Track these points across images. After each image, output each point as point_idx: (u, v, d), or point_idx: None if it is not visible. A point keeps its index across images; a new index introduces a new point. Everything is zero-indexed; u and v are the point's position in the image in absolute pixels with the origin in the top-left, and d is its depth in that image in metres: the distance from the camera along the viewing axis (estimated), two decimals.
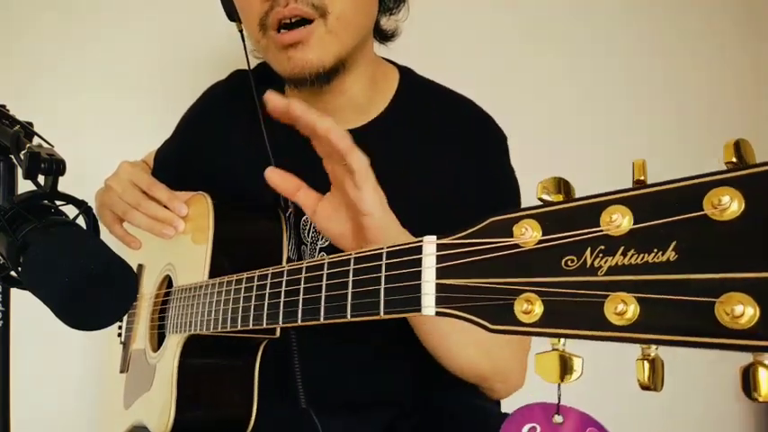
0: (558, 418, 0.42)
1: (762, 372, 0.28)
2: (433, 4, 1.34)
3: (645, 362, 0.32)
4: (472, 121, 0.89)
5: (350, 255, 0.47)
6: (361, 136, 0.84)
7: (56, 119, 1.22)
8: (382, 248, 0.44)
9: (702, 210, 0.29)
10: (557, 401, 0.41)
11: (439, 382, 0.89)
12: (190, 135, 1.00)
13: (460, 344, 0.74)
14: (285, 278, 0.55)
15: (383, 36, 0.90)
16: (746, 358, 0.30)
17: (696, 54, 1.55)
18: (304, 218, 0.84)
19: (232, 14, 0.86)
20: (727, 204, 0.28)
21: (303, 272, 0.52)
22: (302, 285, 0.52)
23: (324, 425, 0.79)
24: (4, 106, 0.68)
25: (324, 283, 0.49)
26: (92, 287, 0.48)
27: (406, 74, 0.91)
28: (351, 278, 0.46)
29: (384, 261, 0.43)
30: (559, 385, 0.39)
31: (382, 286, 0.43)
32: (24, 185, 0.59)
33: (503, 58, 1.45)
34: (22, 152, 0.56)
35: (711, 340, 0.28)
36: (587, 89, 1.50)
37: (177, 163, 1.00)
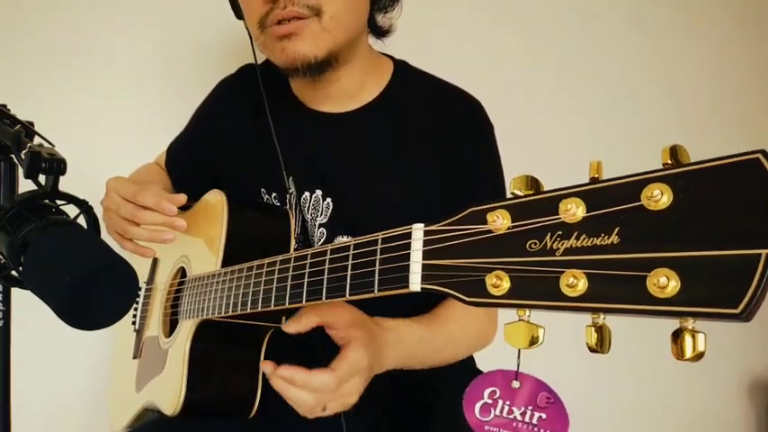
0: (515, 384, 0.48)
1: (687, 336, 0.35)
2: (431, 6, 1.39)
3: (593, 328, 0.38)
4: (460, 108, 0.95)
5: (350, 242, 0.53)
6: (352, 118, 0.93)
7: (56, 118, 1.25)
8: (378, 235, 0.50)
9: (640, 201, 0.35)
10: (516, 369, 0.48)
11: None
12: (202, 127, 1.07)
13: (437, 355, 0.87)
14: (292, 264, 0.61)
15: (379, 32, 0.96)
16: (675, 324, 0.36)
17: (697, 52, 1.57)
18: (303, 196, 0.91)
19: (238, 13, 0.93)
20: (659, 197, 0.34)
21: (308, 258, 0.58)
22: (307, 270, 0.58)
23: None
24: (4, 106, 0.69)
25: (326, 267, 0.55)
26: (92, 286, 0.47)
27: (400, 65, 0.98)
28: (350, 261, 0.52)
29: (379, 246, 0.49)
30: (519, 354, 0.46)
31: (377, 267, 0.49)
32: (25, 185, 0.59)
33: (500, 60, 1.49)
34: (23, 152, 0.56)
35: (644, 307, 0.34)
36: (586, 88, 1.54)
37: (190, 154, 1.07)
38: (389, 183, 0.86)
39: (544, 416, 0.47)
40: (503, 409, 0.46)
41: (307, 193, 0.91)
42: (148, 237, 0.83)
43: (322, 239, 0.90)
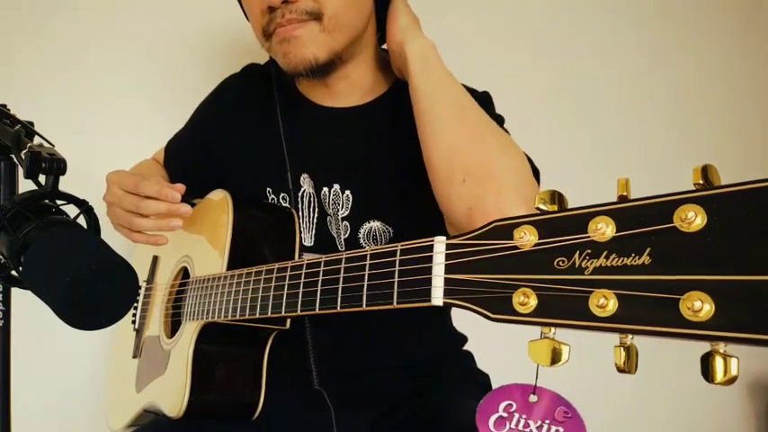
0: (533, 398, 0.48)
1: (718, 359, 0.34)
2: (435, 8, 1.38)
3: (622, 348, 0.37)
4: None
5: (365, 251, 0.53)
6: (360, 112, 0.92)
7: (56, 118, 1.24)
8: (397, 246, 0.49)
9: (672, 222, 0.35)
10: (534, 383, 0.48)
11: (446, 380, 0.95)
12: (204, 122, 1.05)
13: (444, 119, 0.76)
14: (304, 270, 0.60)
15: None
16: (706, 347, 0.36)
17: (695, 59, 1.58)
18: (323, 191, 0.91)
19: None
20: (693, 219, 0.34)
21: (322, 265, 0.58)
22: (321, 278, 0.57)
23: (336, 405, 0.85)
24: (4, 106, 0.69)
25: (341, 275, 0.54)
26: (92, 287, 0.48)
27: None
28: (367, 272, 0.52)
29: (398, 257, 0.49)
30: (537, 368, 0.45)
31: (396, 279, 0.48)
32: (25, 185, 0.59)
33: (498, 62, 1.49)
34: (23, 152, 0.56)
35: (676, 330, 0.34)
36: (585, 92, 1.54)
37: (191, 152, 1.06)
38: (406, 170, 0.86)
39: (561, 430, 0.47)
40: (518, 422, 0.45)
41: (325, 189, 0.91)
42: (155, 226, 0.83)
43: (347, 233, 0.90)
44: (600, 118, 1.56)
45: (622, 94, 1.58)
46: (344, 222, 0.90)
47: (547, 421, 0.47)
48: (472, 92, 0.94)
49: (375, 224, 0.89)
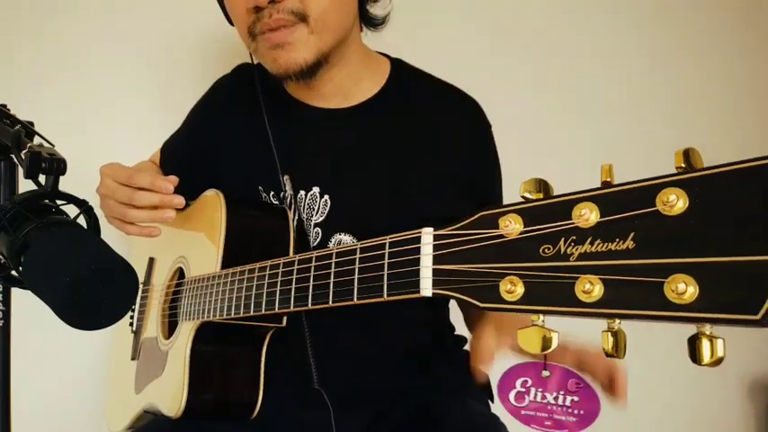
0: (545, 373, 0.50)
1: (704, 341, 0.34)
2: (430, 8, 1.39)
3: (609, 334, 0.37)
4: (460, 107, 0.95)
5: (356, 245, 0.53)
6: (350, 115, 0.92)
7: (56, 118, 1.24)
8: (385, 239, 0.49)
9: (655, 206, 0.35)
10: (543, 360, 0.50)
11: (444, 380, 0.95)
12: (198, 126, 1.06)
13: None
14: (296, 266, 0.60)
15: (372, 23, 0.95)
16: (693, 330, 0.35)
17: (695, 59, 1.58)
18: (299, 194, 0.90)
19: (231, 21, 0.92)
20: (675, 202, 0.34)
21: (313, 261, 0.58)
22: (312, 273, 0.58)
23: (334, 405, 0.85)
24: (4, 106, 0.69)
25: (332, 270, 0.55)
26: (92, 286, 0.48)
27: (397, 64, 0.97)
28: (357, 265, 0.52)
29: (387, 250, 0.49)
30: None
31: (385, 272, 0.48)
32: (25, 185, 0.59)
33: (498, 62, 1.49)
34: (23, 152, 0.56)
35: (661, 313, 0.34)
36: (585, 95, 1.54)
37: (186, 153, 1.06)
38: (389, 179, 0.86)
39: (576, 398, 0.49)
40: (536, 395, 0.48)
41: (302, 192, 0.90)
42: (148, 217, 0.83)
43: (317, 240, 0.89)
44: (600, 118, 1.56)
45: (622, 94, 1.58)
46: (316, 229, 0.89)
47: (561, 392, 0.50)
48: (465, 98, 0.95)
49: (346, 238, 0.88)
